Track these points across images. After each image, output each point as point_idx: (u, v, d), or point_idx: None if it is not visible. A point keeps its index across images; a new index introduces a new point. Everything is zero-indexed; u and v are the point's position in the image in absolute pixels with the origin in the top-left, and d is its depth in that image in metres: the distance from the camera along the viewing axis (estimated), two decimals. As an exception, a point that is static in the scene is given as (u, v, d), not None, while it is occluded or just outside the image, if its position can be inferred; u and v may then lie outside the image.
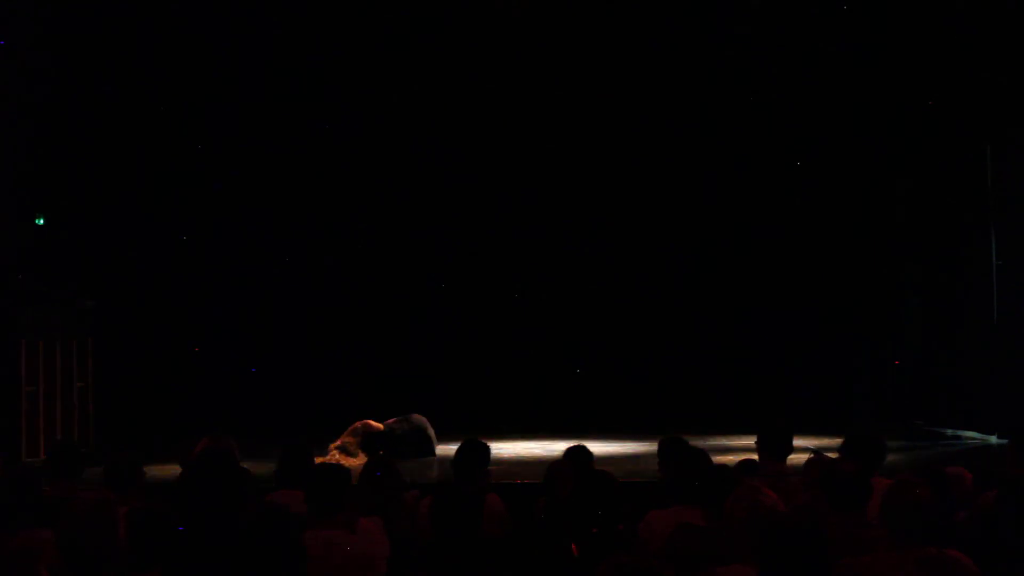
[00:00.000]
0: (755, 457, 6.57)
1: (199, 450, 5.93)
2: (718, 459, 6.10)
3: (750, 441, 6.87)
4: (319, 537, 4.69)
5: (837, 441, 6.57)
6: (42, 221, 11.80)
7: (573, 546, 9.00)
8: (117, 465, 5.88)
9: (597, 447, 7.77)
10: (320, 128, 13.38)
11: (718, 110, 13.39)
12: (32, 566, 4.48)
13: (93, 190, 12.45)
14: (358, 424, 10.90)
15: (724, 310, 13.55)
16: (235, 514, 4.41)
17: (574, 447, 6.59)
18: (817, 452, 6.37)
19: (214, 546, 4.25)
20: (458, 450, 6.40)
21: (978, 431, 11.72)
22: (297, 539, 4.21)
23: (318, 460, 9.62)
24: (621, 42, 13.27)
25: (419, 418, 11.20)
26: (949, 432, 12.11)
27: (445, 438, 10.89)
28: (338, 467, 5.54)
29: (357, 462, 10.46)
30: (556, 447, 10.23)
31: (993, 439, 11.38)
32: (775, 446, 6.44)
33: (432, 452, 11.04)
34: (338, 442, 10.79)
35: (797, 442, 6.52)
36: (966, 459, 8.67)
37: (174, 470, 7.18)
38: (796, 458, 6.47)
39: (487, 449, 6.37)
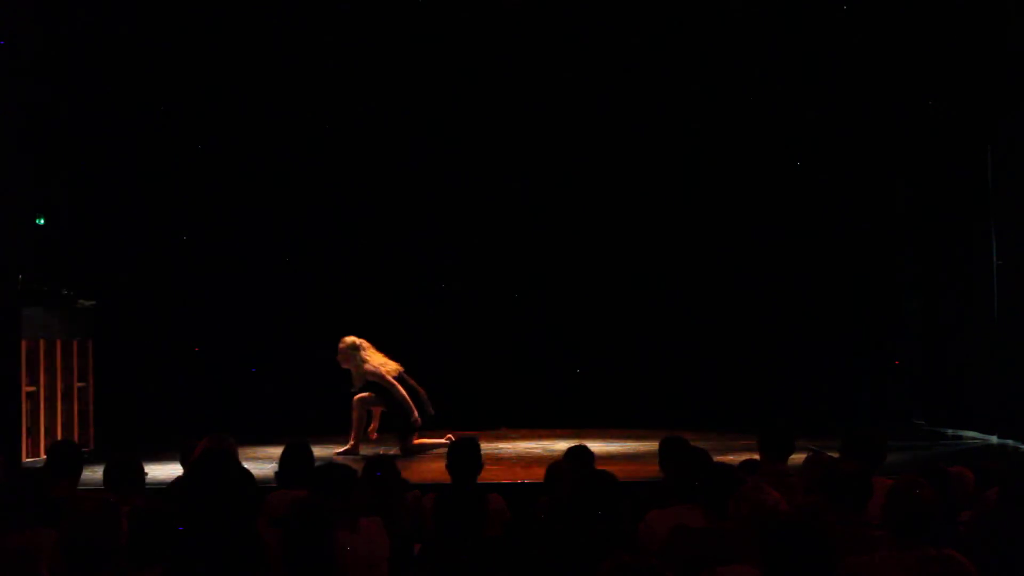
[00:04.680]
0: (756, 457, 6.59)
1: (199, 450, 5.94)
2: (719, 459, 6.11)
3: (750, 441, 6.87)
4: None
5: (837, 441, 6.56)
6: (42, 221, 11.78)
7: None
8: (117, 465, 5.88)
9: (597, 446, 7.77)
10: (320, 127, 13.36)
11: (718, 110, 13.38)
12: (33, 566, 4.49)
13: (93, 190, 12.44)
14: None
15: (724, 310, 13.53)
16: (235, 514, 4.42)
17: (575, 447, 6.59)
18: (817, 452, 6.37)
19: (214, 546, 4.26)
20: (450, 450, 6.41)
21: (978, 431, 11.72)
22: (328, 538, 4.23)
23: None
24: (621, 41, 13.26)
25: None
26: (949, 432, 12.12)
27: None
28: (342, 466, 5.55)
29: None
30: (556, 447, 10.24)
31: (993, 439, 11.38)
32: (775, 446, 6.44)
33: None
34: None
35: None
36: (966, 459, 8.64)
37: (174, 470, 7.21)
38: (796, 458, 6.47)
39: (478, 447, 6.39)
